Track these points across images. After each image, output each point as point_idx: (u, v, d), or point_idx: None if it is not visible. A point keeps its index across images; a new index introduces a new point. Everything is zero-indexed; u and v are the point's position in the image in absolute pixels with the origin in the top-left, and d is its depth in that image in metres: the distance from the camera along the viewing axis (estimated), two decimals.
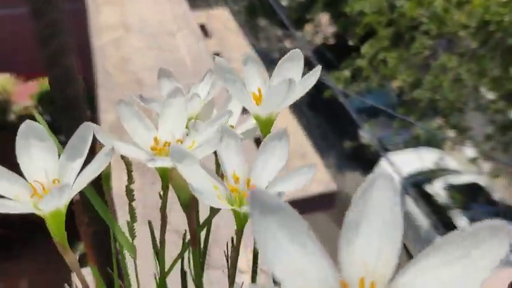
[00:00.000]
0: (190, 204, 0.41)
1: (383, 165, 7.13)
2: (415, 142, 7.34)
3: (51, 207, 0.34)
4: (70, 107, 0.42)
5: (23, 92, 6.51)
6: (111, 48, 1.74)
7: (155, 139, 0.42)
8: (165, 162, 0.38)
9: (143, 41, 1.87)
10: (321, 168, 3.65)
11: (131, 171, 0.43)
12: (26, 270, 4.66)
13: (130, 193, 0.44)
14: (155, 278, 0.53)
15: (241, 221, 0.38)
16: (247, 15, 10.78)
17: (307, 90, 0.42)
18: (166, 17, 2.03)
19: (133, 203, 0.50)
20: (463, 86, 6.60)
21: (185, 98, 0.43)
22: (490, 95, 7.11)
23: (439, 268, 0.22)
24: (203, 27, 4.94)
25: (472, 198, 6.86)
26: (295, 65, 0.45)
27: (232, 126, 0.47)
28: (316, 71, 0.42)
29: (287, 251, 0.22)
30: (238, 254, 0.40)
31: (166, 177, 0.42)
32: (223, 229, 0.56)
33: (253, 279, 0.48)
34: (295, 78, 0.43)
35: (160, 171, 0.41)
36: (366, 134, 7.79)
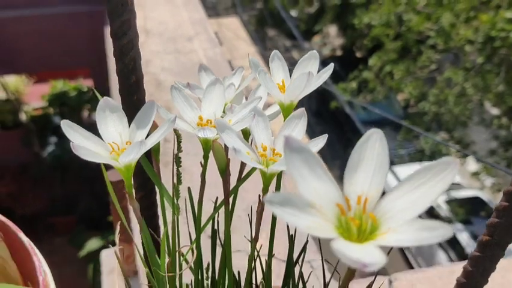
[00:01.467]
0: (226, 170, 0.52)
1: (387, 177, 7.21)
2: (419, 155, 7.41)
3: (130, 159, 0.45)
4: (133, 90, 0.54)
5: (34, 93, 6.65)
6: None
7: (200, 117, 0.53)
8: (212, 132, 0.49)
9: (162, 45, 1.99)
10: None
11: (181, 141, 0.54)
12: None
13: (178, 160, 0.55)
14: (190, 236, 0.64)
15: (266, 180, 0.49)
16: (257, 24, 10.94)
17: (322, 83, 0.53)
18: (184, 22, 2.15)
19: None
20: (467, 101, 6.69)
21: (224, 86, 0.55)
22: (494, 111, 7.20)
23: (409, 191, 0.33)
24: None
25: (474, 212, 6.92)
26: (312, 63, 0.56)
27: None
28: (330, 68, 0.53)
29: (307, 177, 0.33)
30: (263, 209, 0.51)
31: (208, 147, 0.53)
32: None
33: (271, 246, 0.59)
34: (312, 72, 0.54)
35: (204, 142, 0.52)
36: None
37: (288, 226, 0.64)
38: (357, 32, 8.72)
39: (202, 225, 0.58)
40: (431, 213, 6.81)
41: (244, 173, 0.57)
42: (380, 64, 7.52)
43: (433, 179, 0.32)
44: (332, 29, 10.81)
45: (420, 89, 7.05)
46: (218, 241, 0.63)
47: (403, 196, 0.33)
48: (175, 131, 0.53)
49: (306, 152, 0.33)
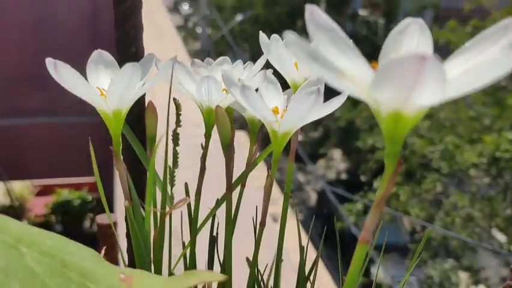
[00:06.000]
0: (230, 144, 0.45)
1: None
2: (429, 281, 7.08)
3: (119, 99, 0.38)
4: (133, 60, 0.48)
5: (38, 202, 6.59)
6: None
7: None
8: (216, 84, 0.43)
9: None
10: None
11: (180, 113, 0.47)
12: None
13: (176, 137, 0.47)
14: (190, 225, 0.53)
15: (278, 146, 0.41)
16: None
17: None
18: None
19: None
20: (475, 225, 6.55)
21: (231, 66, 0.49)
22: (503, 237, 7.01)
23: (464, 62, 0.26)
24: None
25: None
26: None
27: None
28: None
29: (337, 57, 0.27)
30: (273, 182, 0.43)
31: (211, 119, 0.46)
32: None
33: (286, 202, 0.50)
34: None
35: (206, 112, 0.46)
36: (377, 270, 7.56)
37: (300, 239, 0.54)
38: (361, 156, 8.83)
39: (198, 225, 0.49)
40: None
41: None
42: None
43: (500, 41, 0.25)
44: (337, 153, 10.99)
45: (426, 211, 6.95)
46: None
47: (457, 67, 0.26)
48: (175, 100, 0.47)
49: (334, 32, 0.27)
